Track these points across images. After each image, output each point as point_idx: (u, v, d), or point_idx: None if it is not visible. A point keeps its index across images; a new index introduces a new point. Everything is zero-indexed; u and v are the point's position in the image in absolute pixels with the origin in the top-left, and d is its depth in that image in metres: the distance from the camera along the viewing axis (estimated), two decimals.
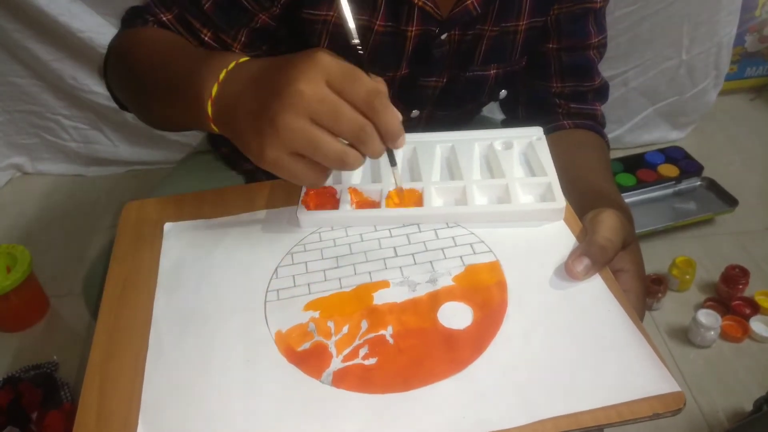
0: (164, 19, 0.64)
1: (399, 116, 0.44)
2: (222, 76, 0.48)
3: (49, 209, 1.48)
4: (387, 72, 0.69)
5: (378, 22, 0.65)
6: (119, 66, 0.64)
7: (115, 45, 0.66)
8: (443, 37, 0.67)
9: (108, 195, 1.53)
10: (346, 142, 0.45)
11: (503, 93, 0.78)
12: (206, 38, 0.65)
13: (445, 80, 0.72)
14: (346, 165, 0.45)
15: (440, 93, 0.74)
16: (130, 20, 0.66)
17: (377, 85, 0.44)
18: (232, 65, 0.48)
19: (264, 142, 0.44)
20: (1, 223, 1.44)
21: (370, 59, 0.67)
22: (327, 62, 0.43)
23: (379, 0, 0.64)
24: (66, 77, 1.39)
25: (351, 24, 0.46)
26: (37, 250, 1.19)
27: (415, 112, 0.76)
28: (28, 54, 1.35)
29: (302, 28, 0.66)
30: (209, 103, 0.48)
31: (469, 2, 0.64)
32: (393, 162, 0.52)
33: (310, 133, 0.43)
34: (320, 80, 0.43)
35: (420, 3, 0.63)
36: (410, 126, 0.77)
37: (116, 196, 1.52)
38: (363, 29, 0.65)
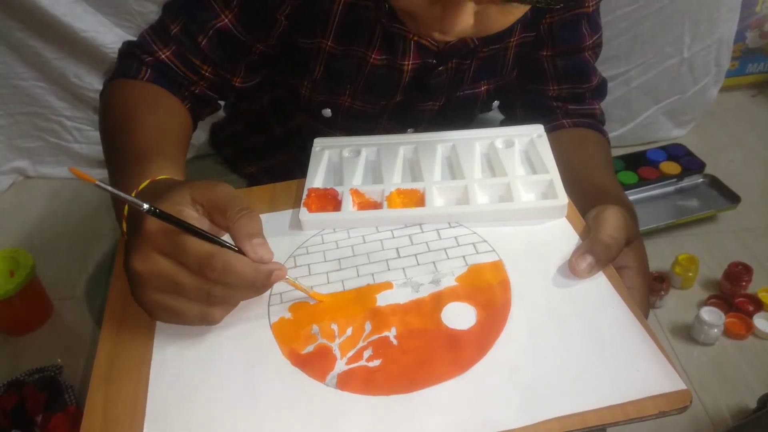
0: (162, 56, 0.64)
1: (244, 266, 0.41)
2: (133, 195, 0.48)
3: (52, 213, 1.48)
4: (381, 100, 0.69)
5: (373, 56, 0.65)
6: (100, 118, 0.67)
7: (103, 93, 0.67)
8: (441, 68, 0.67)
9: (110, 198, 1.52)
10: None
11: (496, 103, 0.78)
12: (207, 74, 0.65)
13: (442, 102, 0.72)
14: (211, 323, 0.44)
15: (436, 113, 0.74)
16: (125, 60, 0.66)
17: (205, 249, 0.41)
18: (144, 185, 0.49)
19: (136, 292, 0.44)
20: (4, 227, 1.44)
21: (364, 89, 0.67)
22: (152, 234, 0.41)
23: (376, 34, 0.63)
24: (69, 75, 1.40)
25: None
26: (40, 254, 1.19)
27: (410, 130, 0.76)
28: (31, 52, 1.36)
29: (299, 55, 0.66)
30: (123, 222, 0.49)
31: None
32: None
33: (165, 303, 0.43)
34: (151, 254, 0.41)
35: (415, 38, 0.63)
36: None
37: None
38: (358, 60, 0.65)
